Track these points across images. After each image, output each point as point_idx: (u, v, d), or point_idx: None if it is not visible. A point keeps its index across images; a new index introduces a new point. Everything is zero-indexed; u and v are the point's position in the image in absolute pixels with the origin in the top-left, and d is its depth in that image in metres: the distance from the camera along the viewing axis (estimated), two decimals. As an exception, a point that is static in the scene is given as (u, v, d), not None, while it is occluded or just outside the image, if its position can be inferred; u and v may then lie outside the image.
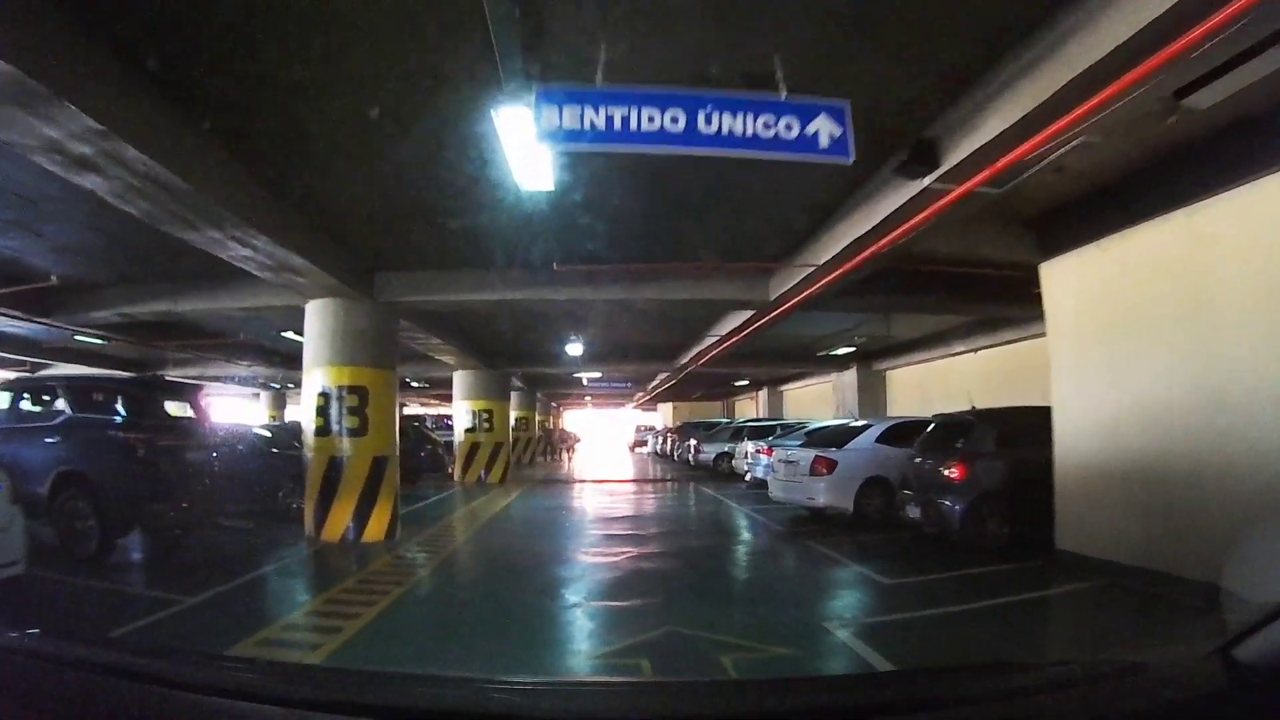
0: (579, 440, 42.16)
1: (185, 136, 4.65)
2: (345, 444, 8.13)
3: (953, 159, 4.63)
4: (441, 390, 19.94)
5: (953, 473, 7.35)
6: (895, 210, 5.30)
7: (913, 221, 5.35)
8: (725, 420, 23.14)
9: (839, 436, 9.92)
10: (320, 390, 8.27)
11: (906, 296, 9.33)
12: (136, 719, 1.02)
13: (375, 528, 8.12)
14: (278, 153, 5.37)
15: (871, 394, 17.89)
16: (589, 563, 6.88)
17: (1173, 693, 1.03)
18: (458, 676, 1.33)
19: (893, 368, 17.41)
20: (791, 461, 9.34)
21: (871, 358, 17.42)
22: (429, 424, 18.83)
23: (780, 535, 8.67)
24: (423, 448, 14.90)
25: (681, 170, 5.42)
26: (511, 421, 24.46)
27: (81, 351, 16.61)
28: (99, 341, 14.23)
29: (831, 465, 8.94)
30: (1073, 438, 6.94)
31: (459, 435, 16.37)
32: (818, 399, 22.06)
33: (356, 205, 6.33)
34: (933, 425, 8.35)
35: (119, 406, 7.22)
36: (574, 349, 12.59)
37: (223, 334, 14.02)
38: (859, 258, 6.20)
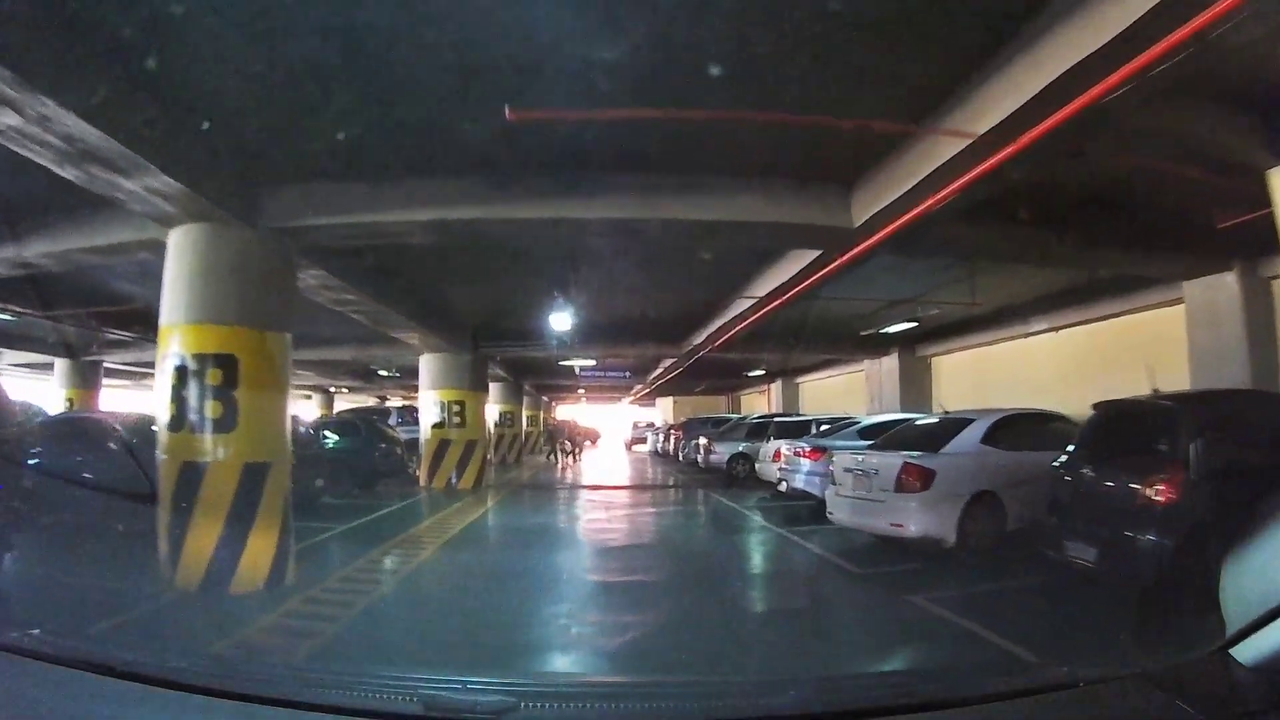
0: (597, 436, 37.12)
1: None
2: (207, 443, 5.37)
3: None
4: (415, 380, 17.36)
5: (1157, 492, 4.62)
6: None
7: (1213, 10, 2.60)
8: (737, 415, 20.36)
9: (922, 436, 7.19)
10: (176, 363, 5.50)
11: (1022, 231, 6.61)
12: (134, 717, 1.06)
13: (251, 571, 5.35)
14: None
15: (915, 385, 15.11)
16: (575, 656, 4.06)
17: (1173, 693, 1.04)
18: (453, 678, 1.21)
19: (943, 353, 14.65)
20: (866, 471, 6.58)
21: (917, 341, 14.67)
22: (394, 420, 15.97)
23: (860, 582, 5.87)
24: (376, 446, 12.09)
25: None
26: (495, 416, 21.84)
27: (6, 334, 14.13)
28: (7, 318, 11.85)
29: (927, 476, 6.19)
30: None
31: (425, 431, 13.56)
32: (844, 392, 19.29)
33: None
34: (1096, 418, 5.60)
35: None
36: (560, 322, 9.76)
37: (125, 300, 11.15)
38: (1061, 114, 3.44)
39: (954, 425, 7.00)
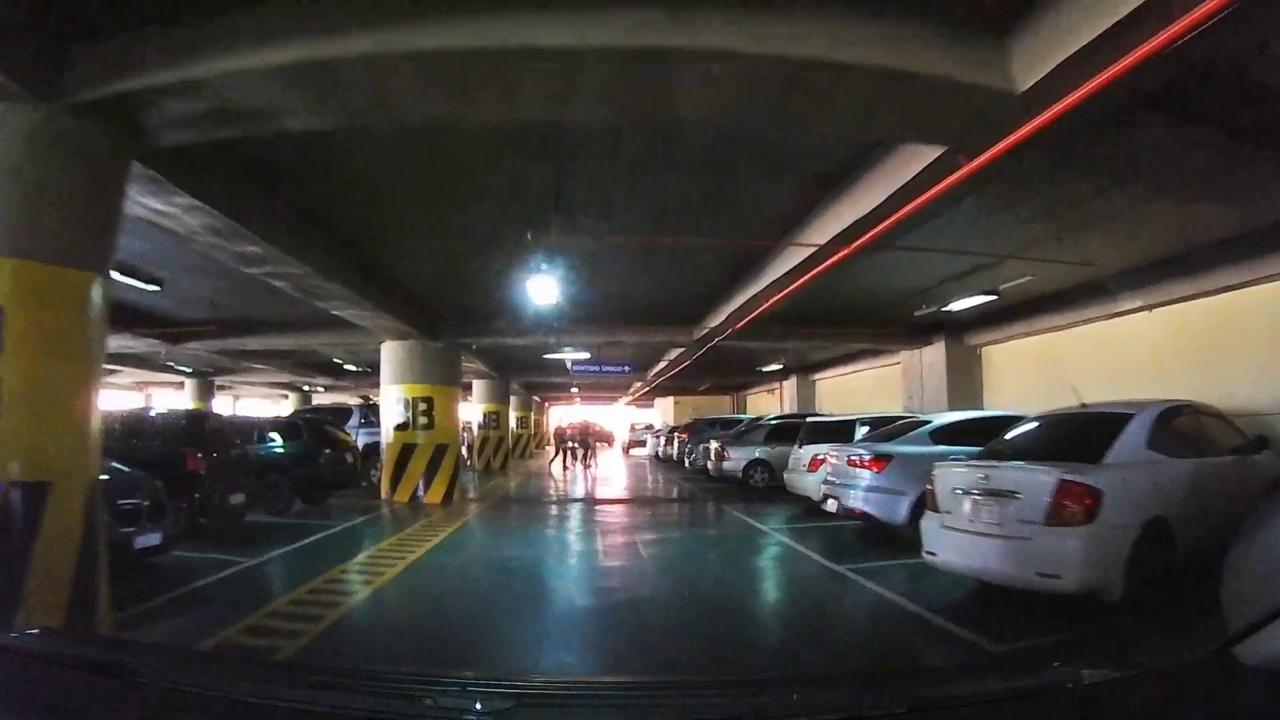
0: (612, 438, 35.22)
1: None
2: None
3: None
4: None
5: None
6: None
7: None
8: (749, 416, 18.23)
9: (1061, 440, 5.15)
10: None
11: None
12: (134, 716, 1.03)
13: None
14: None
15: (963, 379, 12.99)
16: None
17: (1173, 693, 1.03)
18: (453, 679, 1.14)
19: (998, 340, 12.51)
20: (994, 493, 4.44)
21: (965, 328, 12.58)
22: (355, 419, 13.77)
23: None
24: (320, 453, 9.90)
25: None
26: (479, 418, 19.71)
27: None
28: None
29: (1093, 500, 4.08)
30: None
31: (386, 433, 11.40)
32: (871, 390, 17.17)
33: None
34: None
35: None
36: (545, 291, 7.59)
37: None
38: None
39: (1103, 423, 4.88)
